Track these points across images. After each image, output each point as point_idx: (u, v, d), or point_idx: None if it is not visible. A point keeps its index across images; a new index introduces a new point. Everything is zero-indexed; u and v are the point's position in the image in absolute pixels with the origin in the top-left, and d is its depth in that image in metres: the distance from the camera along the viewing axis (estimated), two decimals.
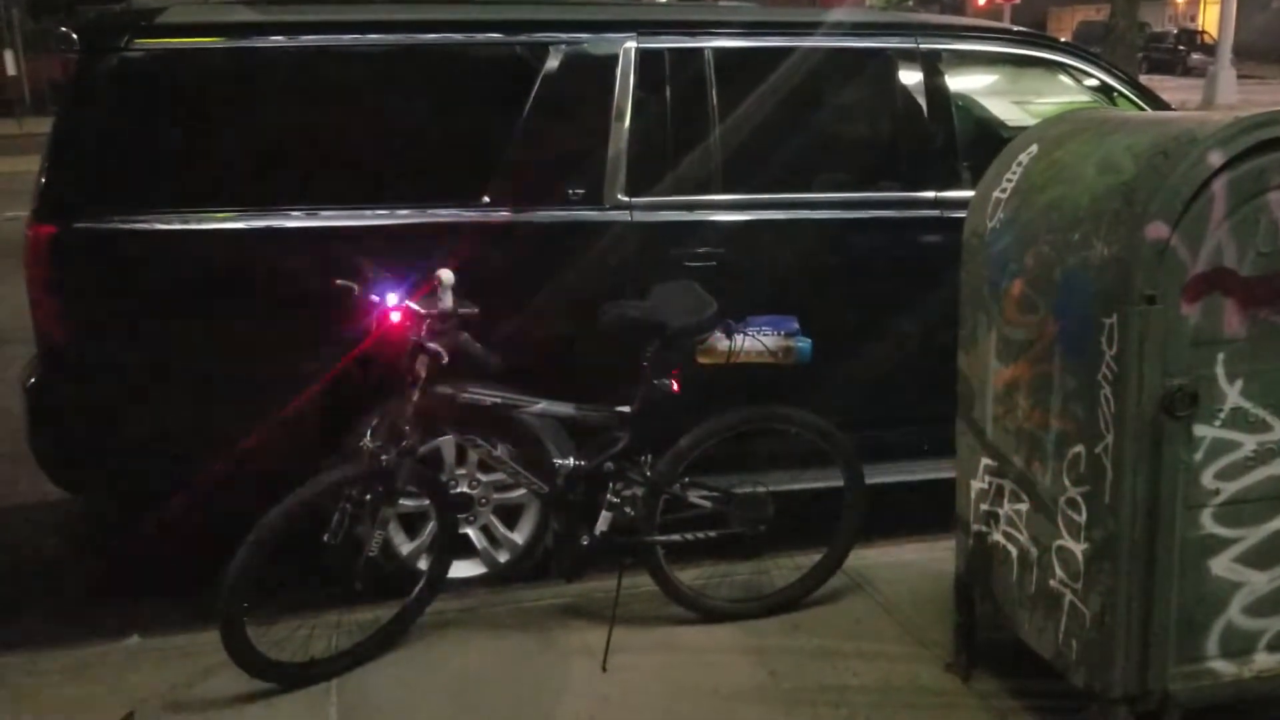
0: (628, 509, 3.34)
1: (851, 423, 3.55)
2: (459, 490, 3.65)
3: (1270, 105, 2.87)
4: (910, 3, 39.61)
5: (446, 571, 3.41)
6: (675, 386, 3.27)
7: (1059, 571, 2.66)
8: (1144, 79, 4.67)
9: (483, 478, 3.70)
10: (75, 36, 3.48)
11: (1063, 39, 5.39)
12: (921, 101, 4.14)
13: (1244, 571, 2.59)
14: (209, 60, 3.58)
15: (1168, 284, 2.39)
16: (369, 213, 3.62)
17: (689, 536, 3.43)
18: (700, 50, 3.91)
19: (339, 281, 3.24)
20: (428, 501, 3.49)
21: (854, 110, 4.31)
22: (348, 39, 3.66)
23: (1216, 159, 2.35)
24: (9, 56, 21.83)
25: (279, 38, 3.60)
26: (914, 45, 4.15)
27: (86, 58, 3.47)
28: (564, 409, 3.35)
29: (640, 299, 3.43)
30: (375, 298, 3.18)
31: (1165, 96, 4.68)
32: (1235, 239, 2.42)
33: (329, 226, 3.59)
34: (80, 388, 3.53)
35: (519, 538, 3.78)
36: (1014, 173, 2.83)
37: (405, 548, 3.65)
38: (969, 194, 3.10)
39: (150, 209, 3.48)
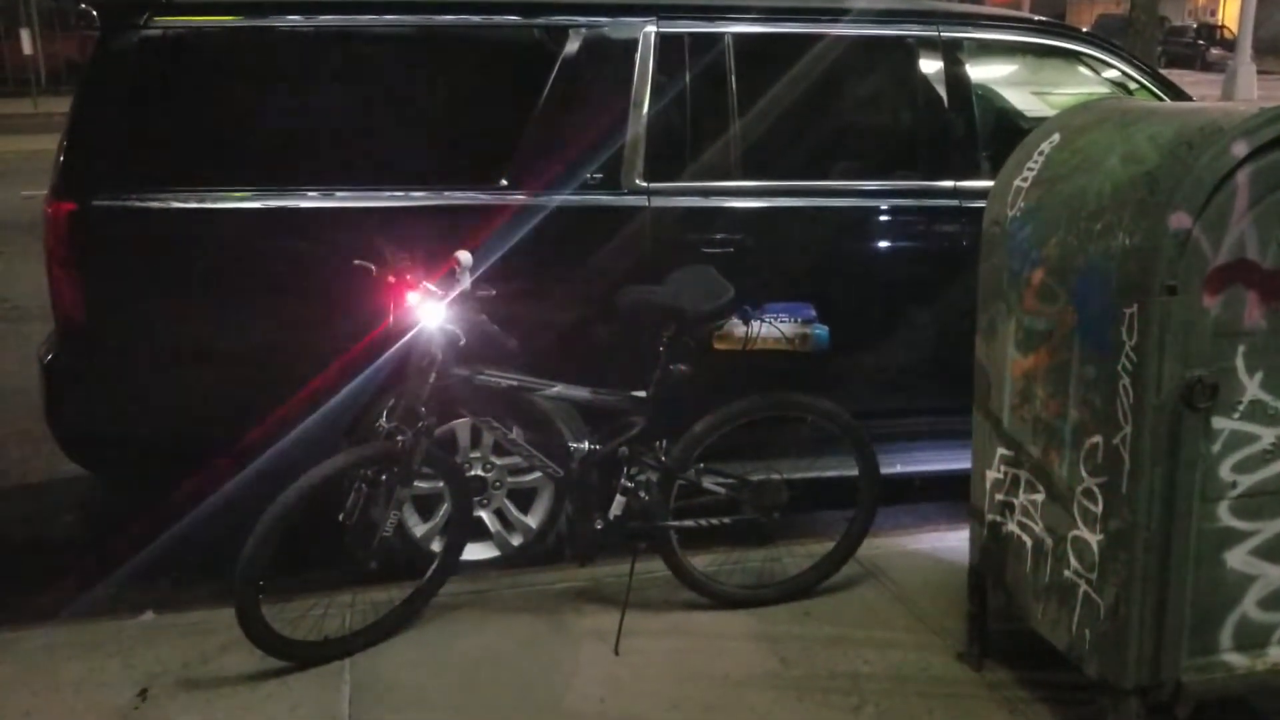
0: (642, 494, 3.34)
1: (865, 411, 3.55)
2: (473, 473, 3.66)
3: None
4: None
5: (460, 554, 3.42)
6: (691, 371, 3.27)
7: (1074, 562, 2.65)
8: (1162, 73, 4.61)
9: (497, 460, 3.71)
10: (95, 14, 3.49)
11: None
12: (942, 90, 4.12)
13: (1259, 565, 2.58)
14: (228, 38, 3.59)
15: (1189, 275, 2.38)
16: (386, 194, 3.62)
17: (703, 522, 3.43)
18: (720, 35, 3.90)
19: (357, 261, 3.25)
20: (442, 483, 3.50)
21: (874, 98, 4.29)
22: (365, 19, 3.66)
23: (1241, 150, 2.34)
24: (25, 35, 21.79)
25: (296, 17, 3.60)
26: (936, 34, 4.13)
27: (106, 35, 3.48)
28: (580, 393, 3.35)
29: (658, 284, 3.43)
30: (393, 278, 3.18)
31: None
32: (1258, 231, 2.41)
33: (345, 207, 3.59)
34: (98, 364, 3.54)
35: (532, 521, 3.79)
36: (1036, 162, 2.81)
37: (419, 529, 3.66)
38: (987, 184, 3.09)
39: (169, 187, 3.49)
